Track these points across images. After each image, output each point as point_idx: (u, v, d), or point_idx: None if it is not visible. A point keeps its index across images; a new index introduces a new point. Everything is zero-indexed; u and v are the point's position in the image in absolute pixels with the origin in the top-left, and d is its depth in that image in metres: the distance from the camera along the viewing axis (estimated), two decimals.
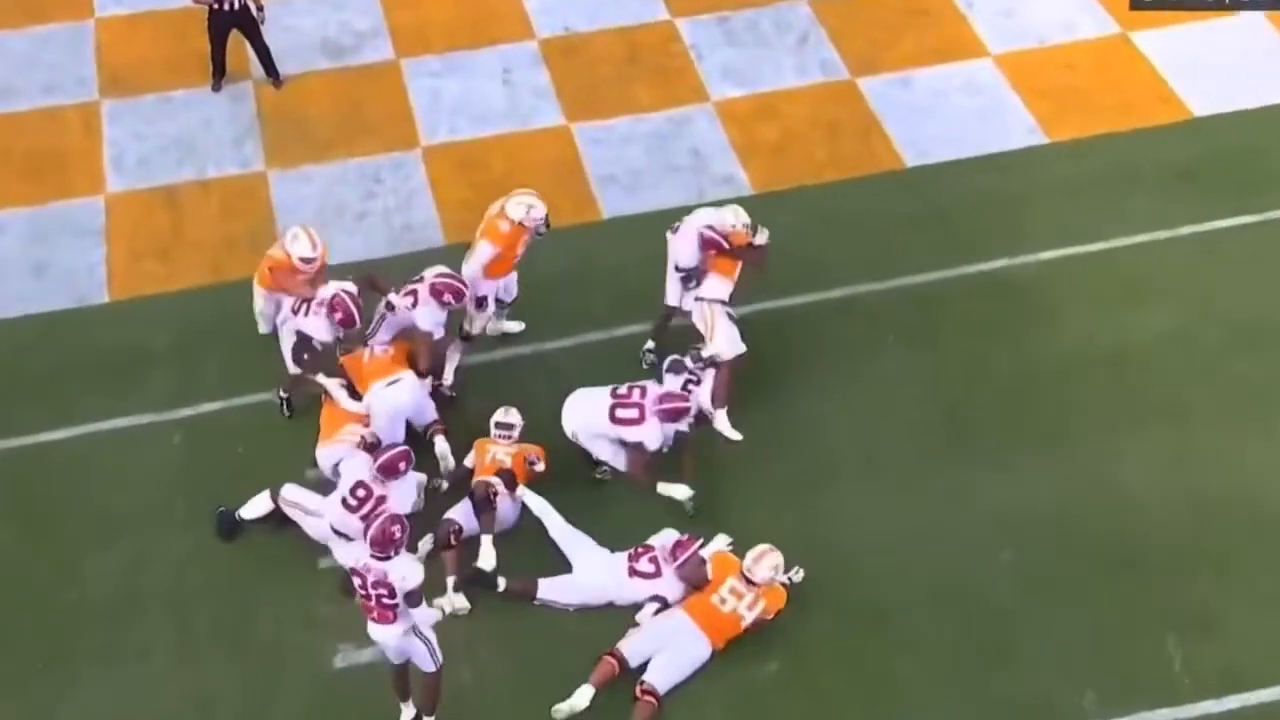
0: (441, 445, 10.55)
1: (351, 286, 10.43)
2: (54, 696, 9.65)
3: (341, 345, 10.72)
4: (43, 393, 11.38)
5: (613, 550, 10.09)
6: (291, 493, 10.11)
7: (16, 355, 11.71)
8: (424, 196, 13.00)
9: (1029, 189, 12.95)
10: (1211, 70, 13.93)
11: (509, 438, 10.47)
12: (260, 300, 11.10)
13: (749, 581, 9.68)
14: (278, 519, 10.17)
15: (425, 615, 8.89)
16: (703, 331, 10.98)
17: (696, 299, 11.06)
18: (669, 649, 9.55)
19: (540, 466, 10.41)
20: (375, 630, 8.92)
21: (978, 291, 12.08)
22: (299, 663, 9.75)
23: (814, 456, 10.89)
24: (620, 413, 10.28)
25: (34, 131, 13.66)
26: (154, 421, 11.17)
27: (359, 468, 9.87)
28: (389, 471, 9.75)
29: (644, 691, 9.38)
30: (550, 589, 9.95)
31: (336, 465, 10.09)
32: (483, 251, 10.93)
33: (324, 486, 10.17)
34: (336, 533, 9.82)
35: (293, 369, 10.74)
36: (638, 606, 9.85)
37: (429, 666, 9.01)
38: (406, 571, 8.67)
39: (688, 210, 11.53)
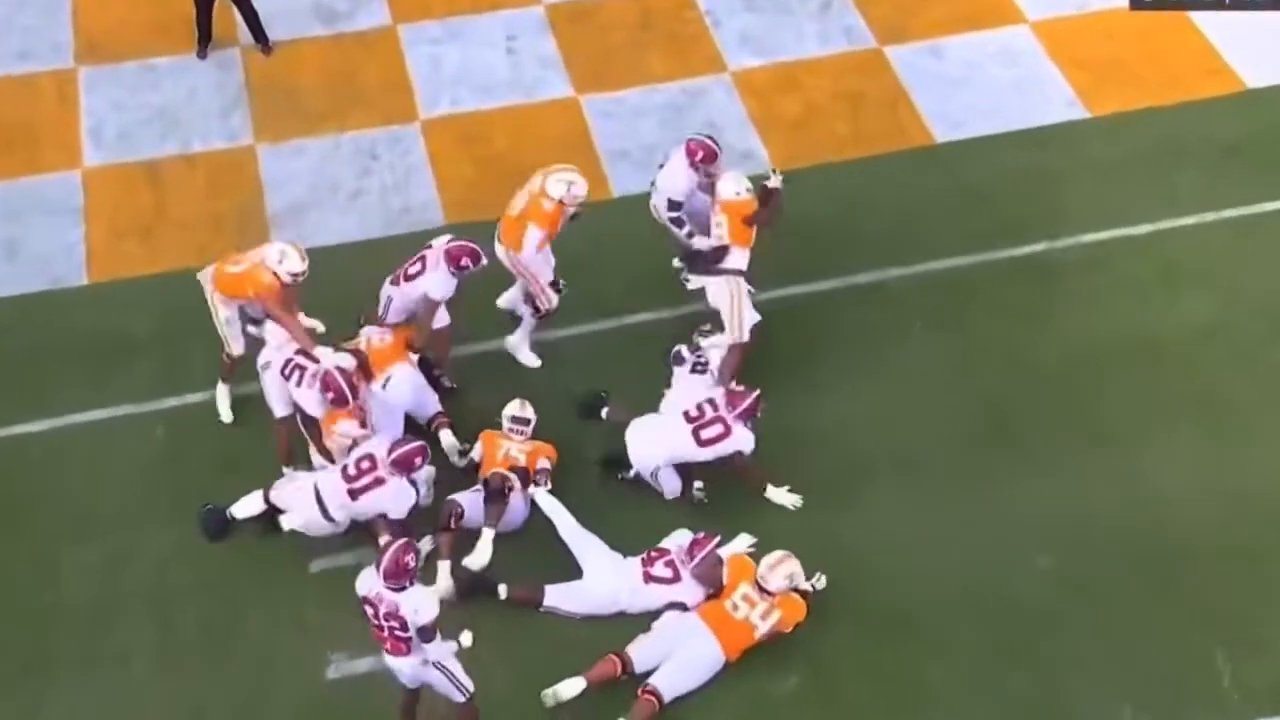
0: (448, 439, 10.53)
1: (348, 361, 10.20)
2: (31, 704, 9.63)
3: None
4: (17, 382, 11.34)
5: (625, 555, 10.04)
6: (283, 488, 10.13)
7: None
8: (423, 173, 12.94)
9: (1068, 166, 12.87)
10: (1272, 38, 13.75)
11: (523, 434, 10.44)
12: (224, 311, 10.57)
13: (763, 590, 9.64)
14: (269, 519, 10.13)
15: (440, 650, 8.78)
16: (723, 310, 10.87)
17: (716, 271, 10.90)
18: (678, 653, 9.52)
19: (547, 465, 10.39)
20: (390, 660, 8.88)
21: (1013, 277, 12.01)
22: (289, 672, 9.72)
23: (839, 454, 10.84)
24: (705, 433, 10.21)
25: (5, 101, 13.56)
26: (136, 413, 11.12)
27: (378, 445, 9.90)
28: (403, 466, 9.73)
29: (646, 692, 9.37)
30: (557, 596, 9.91)
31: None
32: (533, 236, 10.76)
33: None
34: (318, 499, 9.79)
35: (278, 412, 10.48)
36: (653, 615, 9.80)
37: (458, 698, 8.94)
38: (419, 605, 8.58)
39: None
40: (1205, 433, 10.94)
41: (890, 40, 14.08)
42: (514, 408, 10.53)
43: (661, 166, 11.32)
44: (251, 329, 10.69)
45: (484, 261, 10.75)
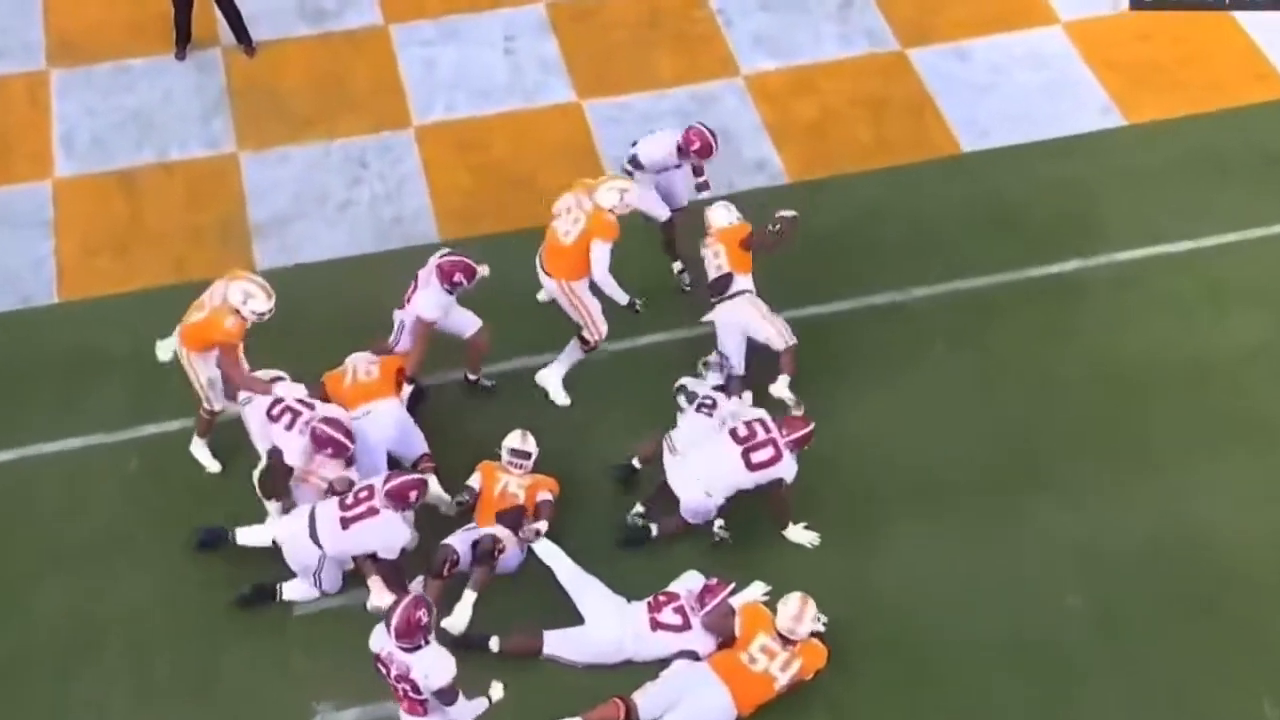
0: (435, 488, 10.36)
1: (341, 414, 10.14)
2: None
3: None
4: None
5: (630, 598, 9.96)
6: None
7: None
8: (416, 183, 12.91)
9: (1102, 178, 12.87)
10: None
11: (523, 468, 10.39)
12: (204, 372, 10.34)
13: (784, 640, 9.56)
14: (268, 594, 10.07)
15: (464, 712, 8.68)
16: (754, 329, 11.02)
17: (731, 296, 11.04)
18: (686, 703, 9.45)
19: (548, 497, 10.34)
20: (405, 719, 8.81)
21: (1044, 297, 12.00)
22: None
23: (857, 484, 10.84)
24: (756, 456, 10.22)
25: None
26: (109, 441, 11.07)
27: (378, 478, 9.89)
28: (398, 499, 9.68)
29: None
30: (557, 643, 9.83)
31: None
32: (601, 252, 10.76)
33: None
34: (311, 519, 9.75)
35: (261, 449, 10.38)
36: (663, 664, 9.70)
37: None
38: (430, 669, 8.47)
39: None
40: (1252, 463, 10.91)
41: (914, 42, 14.06)
42: (514, 439, 10.45)
43: (652, 132, 11.53)
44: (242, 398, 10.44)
45: (480, 276, 10.68)
